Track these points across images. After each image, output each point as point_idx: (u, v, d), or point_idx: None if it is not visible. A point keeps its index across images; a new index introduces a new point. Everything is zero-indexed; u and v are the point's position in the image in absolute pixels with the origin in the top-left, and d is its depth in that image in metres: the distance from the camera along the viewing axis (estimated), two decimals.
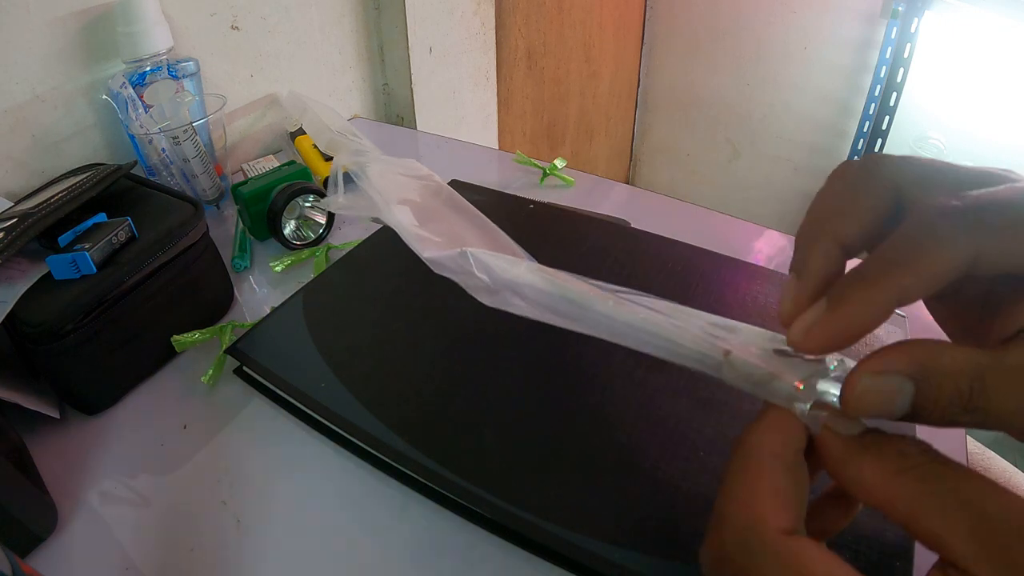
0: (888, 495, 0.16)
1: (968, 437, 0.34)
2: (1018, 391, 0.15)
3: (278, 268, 0.48)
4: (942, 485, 0.15)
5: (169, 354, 0.40)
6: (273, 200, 0.48)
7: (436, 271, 0.26)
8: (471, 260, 0.25)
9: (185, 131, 0.50)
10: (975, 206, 0.16)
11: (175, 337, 0.39)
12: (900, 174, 0.18)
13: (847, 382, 0.17)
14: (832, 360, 0.19)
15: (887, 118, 1.17)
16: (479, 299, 0.24)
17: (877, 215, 0.18)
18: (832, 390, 0.18)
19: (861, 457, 0.16)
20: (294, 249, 0.50)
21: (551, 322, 0.23)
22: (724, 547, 0.17)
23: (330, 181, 0.37)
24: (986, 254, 0.16)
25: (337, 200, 0.36)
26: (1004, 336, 0.17)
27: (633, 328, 0.21)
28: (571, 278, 0.23)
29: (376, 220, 0.32)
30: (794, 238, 0.20)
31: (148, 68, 0.50)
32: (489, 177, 0.61)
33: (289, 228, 0.49)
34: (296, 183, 0.48)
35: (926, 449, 0.16)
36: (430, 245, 0.27)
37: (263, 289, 0.48)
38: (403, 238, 0.29)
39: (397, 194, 0.32)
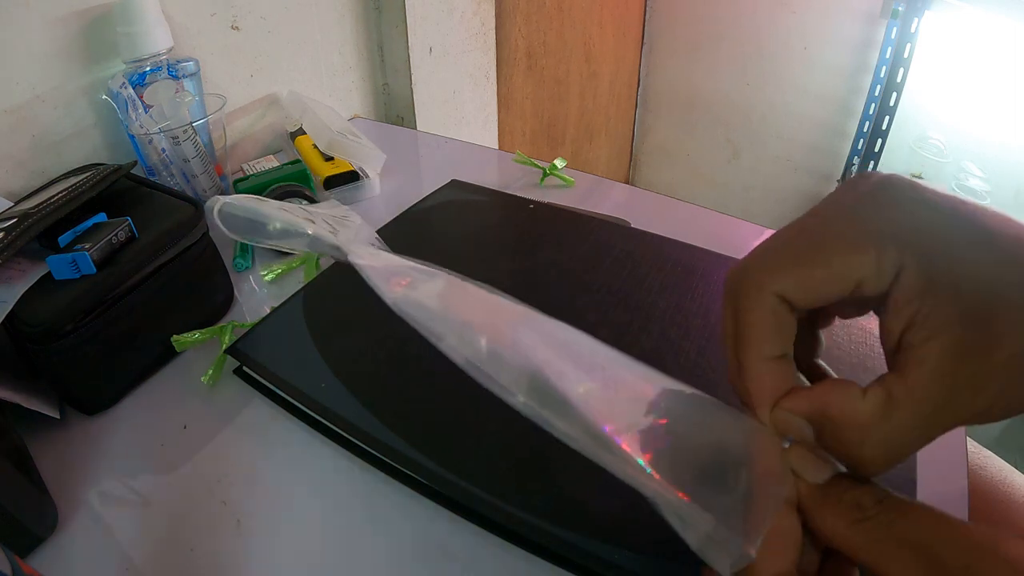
0: (849, 544, 0.17)
1: (968, 438, 0.34)
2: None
3: (268, 277, 0.47)
4: (893, 533, 0.16)
5: (169, 354, 0.40)
6: None
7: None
8: None
9: (185, 131, 0.50)
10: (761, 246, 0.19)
11: (175, 337, 0.39)
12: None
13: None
14: None
15: (887, 118, 1.17)
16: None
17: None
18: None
19: (824, 508, 0.18)
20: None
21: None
22: None
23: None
24: (789, 287, 0.18)
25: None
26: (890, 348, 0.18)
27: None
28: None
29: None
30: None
31: (148, 68, 0.50)
32: (489, 177, 0.61)
33: None
34: (285, 185, 0.48)
35: (882, 499, 0.17)
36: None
37: (263, 289, 0.47)
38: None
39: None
